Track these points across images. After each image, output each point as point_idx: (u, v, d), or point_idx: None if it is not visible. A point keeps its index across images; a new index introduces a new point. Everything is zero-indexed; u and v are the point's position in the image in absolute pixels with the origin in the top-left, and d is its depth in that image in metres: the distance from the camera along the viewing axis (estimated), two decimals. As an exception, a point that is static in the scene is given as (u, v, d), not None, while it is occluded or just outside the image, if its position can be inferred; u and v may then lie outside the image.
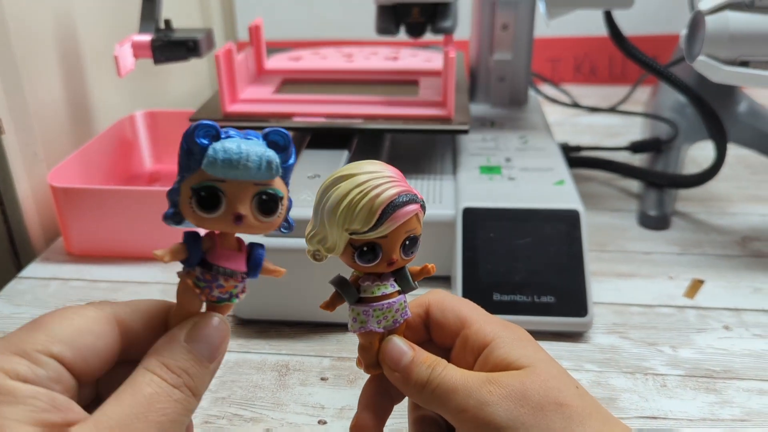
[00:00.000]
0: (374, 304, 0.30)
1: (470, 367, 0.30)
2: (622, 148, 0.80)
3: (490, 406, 0.27)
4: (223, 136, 0.26)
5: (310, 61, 0.76)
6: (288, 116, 0.60)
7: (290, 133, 0.27)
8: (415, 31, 0.61)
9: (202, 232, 0.28)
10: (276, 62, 0.76)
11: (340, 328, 0.51)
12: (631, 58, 0.64)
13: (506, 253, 0.51)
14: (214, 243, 0.28)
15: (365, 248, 0.29)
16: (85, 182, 0.64)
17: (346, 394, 0.45)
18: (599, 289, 0.56)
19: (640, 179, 0.72)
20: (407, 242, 0.29)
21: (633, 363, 0.47)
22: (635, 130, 0.92)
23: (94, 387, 0.28)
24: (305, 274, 0.46)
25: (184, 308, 0.28)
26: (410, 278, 0.31)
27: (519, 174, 0.59)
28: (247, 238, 0.29)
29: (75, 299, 0.55)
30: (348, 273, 0.31)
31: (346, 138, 0.61)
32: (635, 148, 0.79)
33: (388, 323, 0.30)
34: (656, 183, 0.70)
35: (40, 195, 0.65)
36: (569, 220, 0.52)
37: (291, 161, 0.28)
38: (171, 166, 0.75)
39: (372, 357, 0.31)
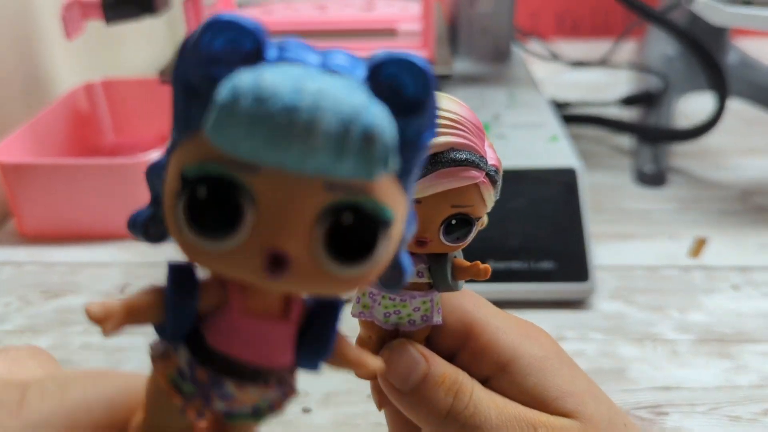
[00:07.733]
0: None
1: (484, 384, 0.23)
2: (613, 102, 0.76)
3: None
4: (270, 53, 0.12)
5: (282, 14, 0.74)
6: None
7: (431, 70, 0.13)
8: None
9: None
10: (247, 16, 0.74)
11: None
12: (624, 3, 0.59)
13: (500, 217, 0.47)
14: (225, 298, 0.14)
15: None
16: (37, 157, 0.58)
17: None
18: (599, 252, 0.52)
19: (635, 134, 0.69)
20: (453, 221, 0.21)
21: (640, 329, 0.44)
22: (621, 85, 0.88)
23: None
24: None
25: (155, 426, 0.15)
26: (450, 273, 0.22)
27: (509, 131, 0.54)
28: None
29: (30, 284, 0.50)
30: None
31: None
32: (628, 101, 0.76)
33: (401, 321, 0.23)
34: (651, 137, 0.66)
35: (-12, 173, 0.60)
36: (566, 179, 0.48)
37: (425, 138, 0.13)
38: (134, 138, 0.69)
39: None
